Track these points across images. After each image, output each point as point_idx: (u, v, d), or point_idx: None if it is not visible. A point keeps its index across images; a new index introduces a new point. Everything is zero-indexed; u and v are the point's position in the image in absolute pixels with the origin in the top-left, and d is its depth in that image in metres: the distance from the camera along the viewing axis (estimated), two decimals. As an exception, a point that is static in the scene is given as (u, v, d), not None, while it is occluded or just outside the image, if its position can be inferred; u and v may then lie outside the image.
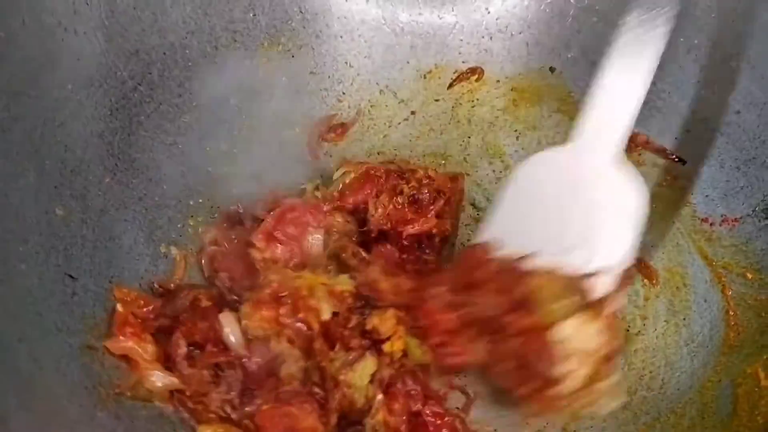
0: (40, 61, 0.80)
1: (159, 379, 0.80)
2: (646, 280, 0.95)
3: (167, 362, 0.82)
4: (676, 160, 0.97)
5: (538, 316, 0.78)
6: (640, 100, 0.80)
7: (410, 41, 1.05)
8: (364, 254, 0.90)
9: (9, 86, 0.77)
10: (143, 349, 0.80)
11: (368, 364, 0.81)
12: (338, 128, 1.03)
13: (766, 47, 0.90)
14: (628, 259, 0.81)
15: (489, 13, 1.04)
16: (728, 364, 0.86)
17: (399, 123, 1.06)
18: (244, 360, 0.82)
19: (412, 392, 0.83)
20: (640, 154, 0.98)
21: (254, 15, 0.98)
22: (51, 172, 0.81)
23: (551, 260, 0.81)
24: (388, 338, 0.83)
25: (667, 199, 0.96)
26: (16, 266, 0.75)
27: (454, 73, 1.06)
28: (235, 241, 0.91)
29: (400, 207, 0.92)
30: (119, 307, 0.82)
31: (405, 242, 0.91)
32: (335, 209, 0.92)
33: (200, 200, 0.96)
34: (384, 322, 0.83)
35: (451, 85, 1.06)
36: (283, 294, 0.82)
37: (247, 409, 0.80)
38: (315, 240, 0.89)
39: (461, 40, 1.05)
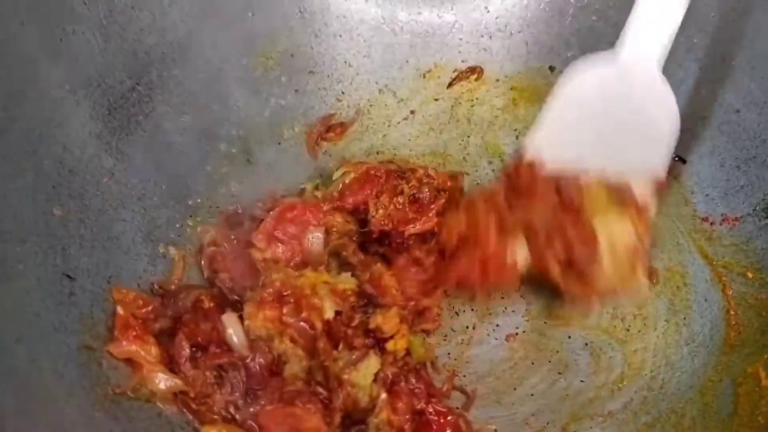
0: (39, 61, 0.80)
1: (163, 381, 0.79)
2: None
3: (170, 364, 0.82)
4: (677, 159, 0.97)
5: (587, 219, 0.87)
6: (683, 10, 0.81)
7: (409, 40, 1.05)
8: (362, 256, 0.90)
9: (7, 86, 0.76)
10: (146, 352, 0.80)
11: (372, 363, 0.80)
12: (337, 127, 1.03)
13: (766, 47, 0.90)
14: (664, 168, 0.87)
15: (488, 12, 1.04)
16: (729, 364, 0.86)
17: (398, 122, 1.06)
18: (247, 360, 0.81)
19: (416, 391, 0.83)
20: (640, 154, 0.99)
21: (253, 14, 0.98)
22: (49, 172, 0.80)
23: (596, 169, 0.88)
24: (392, 337, 0.83)
25: (667, 199, 0.96)
26: (14, 266, 0.75)
27: (454, 72, 1.06)
28: (235, 241, 0.91)
29: (400, 207, 0.91)
30: (120, 310, 0.82)
31: (408, 241, 0.91)
32: (335, 209, 0.91)
33: (199, 200, 0.95)
34: (387, 320, 0.82)
35: (450, 85, 1.06)
36: (285, 293, 0.82)
37: (250, 409, 0.79)
38: (315, 238, 0.89)
39: (461, 39, 1.05)
